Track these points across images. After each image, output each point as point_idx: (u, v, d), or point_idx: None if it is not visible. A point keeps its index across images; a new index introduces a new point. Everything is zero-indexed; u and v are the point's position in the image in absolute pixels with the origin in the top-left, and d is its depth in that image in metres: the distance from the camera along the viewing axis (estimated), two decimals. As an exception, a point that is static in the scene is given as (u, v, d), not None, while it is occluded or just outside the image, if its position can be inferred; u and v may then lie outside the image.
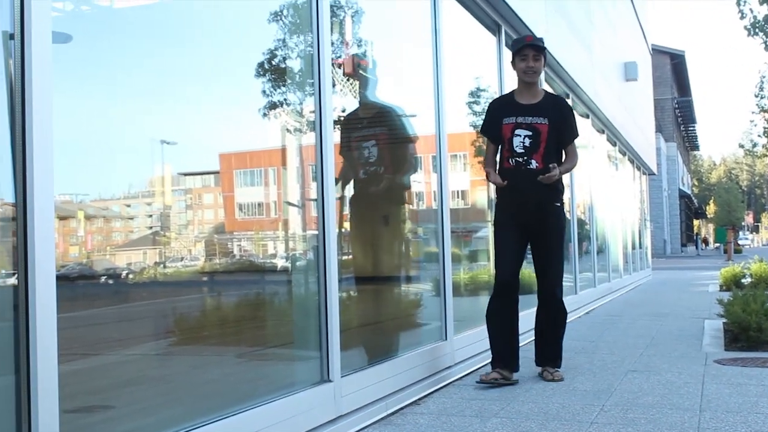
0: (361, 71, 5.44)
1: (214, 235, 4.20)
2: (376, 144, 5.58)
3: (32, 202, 2.61)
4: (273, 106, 4.48)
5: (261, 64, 4.41)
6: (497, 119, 5.67)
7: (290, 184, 4.65)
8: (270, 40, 4.50)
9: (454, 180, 6.37)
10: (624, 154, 18.62)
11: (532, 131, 5.52)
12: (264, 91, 4.45)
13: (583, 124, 13.27)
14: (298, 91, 4.60)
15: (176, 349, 3.81)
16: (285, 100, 4.54)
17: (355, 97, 5.44)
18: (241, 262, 4.33)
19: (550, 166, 5.43)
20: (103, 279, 3.47)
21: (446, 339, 6.07)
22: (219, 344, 4.05)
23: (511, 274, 5.55)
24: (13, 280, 2.65)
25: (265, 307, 4.52)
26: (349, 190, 5.41)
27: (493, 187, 6.11)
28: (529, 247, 5.76)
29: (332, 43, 4.73)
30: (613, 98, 15.28)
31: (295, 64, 4.59)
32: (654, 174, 27.31)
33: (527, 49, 5.60)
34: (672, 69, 54.02)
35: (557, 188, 5.60)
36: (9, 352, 2.62)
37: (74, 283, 3.25)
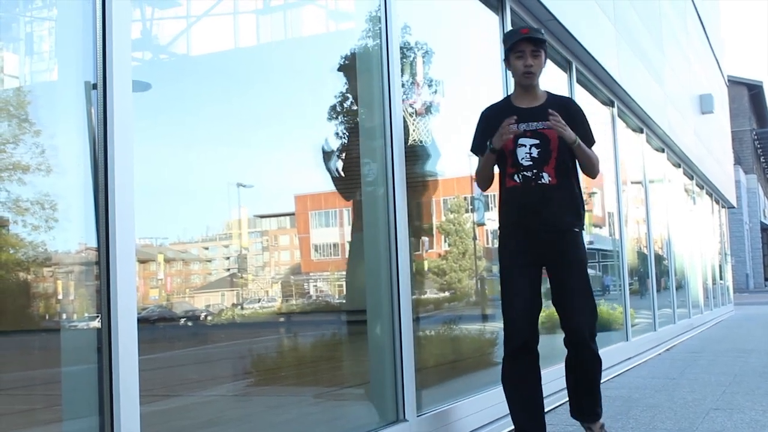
0: (432, 111, 5.47)
1: (291, 276, 4.26)
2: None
3: (114, 247, 2.68)
4: (346, 148, 4.54)
5: (333, 107, 4.48)
6: (491, 131, 4.42)
7: (364, 225, 4.68)
8: (342, 84, 4.56)
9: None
10: (702, 188, 18.31)
11: (539, 139, 4.36)
12: (337, 134, 4.51)
13: (657, 159, 13.12)
14: (370, 132, 4.65)
15: (254, 389, 3.85)
16: (358, 141, 4.60)
17: (427, 136, 5.47)
18: (317, 303, 4.37)
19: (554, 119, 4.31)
20: (182, 321, 3.53)
21: (523, 378, 6.00)
22: (296, 384, 4.08)
23: (527, 331, 4.42)
24: (96, 323, 2.72)
25: (341, 346, 4.55)
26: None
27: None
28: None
29: (403, 85, 4.77)
30: (688, 131, 15.06)
31: (367, 106, 4.65)
32: (734, 207, 26.76)
33: (523, 44, 4.39)
34: (750, 100, 53.04)
35: (577, 209, 4.46)
36: (93, 393, 2.68)
37: (155, 326, 3.33)
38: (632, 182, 11.41)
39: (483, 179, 4.59)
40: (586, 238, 6.03)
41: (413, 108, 5.17)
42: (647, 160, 12.05)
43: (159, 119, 3.40)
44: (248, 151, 3.91)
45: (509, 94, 4.64)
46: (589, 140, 4.54)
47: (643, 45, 11.26)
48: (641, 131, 11.74)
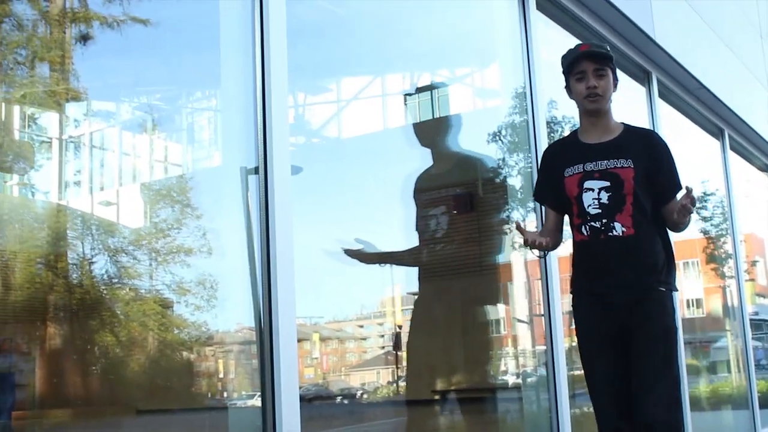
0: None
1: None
2: (446, 211, 4.17)
3: (277, 327, 2.73)
4: (498, 223, 4.53)
5: (484, 183, 4.49)
6: (555, 173, 3.52)
7: (518, 300, 4.64)
8: (491, 160, 4.58)
9: (687, 288, 6.11)
10: None
11: (610, 180, 3.42)
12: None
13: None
14: (520, 207, 4.63)
15: (411, 468, 3.83)
16: (508, 216, 4.58)
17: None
18: (472, 379, 4.32)
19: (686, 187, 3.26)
20: (338, 399, 3.56)
21: (687, 458, 5.76)
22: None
23: (617, 419, 3.36)
24: (255, 401, 2.77)
25: (498, 424, 4.48)
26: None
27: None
28: None
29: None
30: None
31: (516, 181, 4.64)
32: None
33: (583, 63, 3.46)
34: None
35: (659, 265, 3.44)
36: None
37: (311, 404, 3.36)
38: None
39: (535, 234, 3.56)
40: (749, 308, 5.78)
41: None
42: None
43: (311, 200, 3.49)
44: (399, 230, 3.95)
45: (576, 128, 3.69)
46: (674, 185, 3.51)
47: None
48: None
